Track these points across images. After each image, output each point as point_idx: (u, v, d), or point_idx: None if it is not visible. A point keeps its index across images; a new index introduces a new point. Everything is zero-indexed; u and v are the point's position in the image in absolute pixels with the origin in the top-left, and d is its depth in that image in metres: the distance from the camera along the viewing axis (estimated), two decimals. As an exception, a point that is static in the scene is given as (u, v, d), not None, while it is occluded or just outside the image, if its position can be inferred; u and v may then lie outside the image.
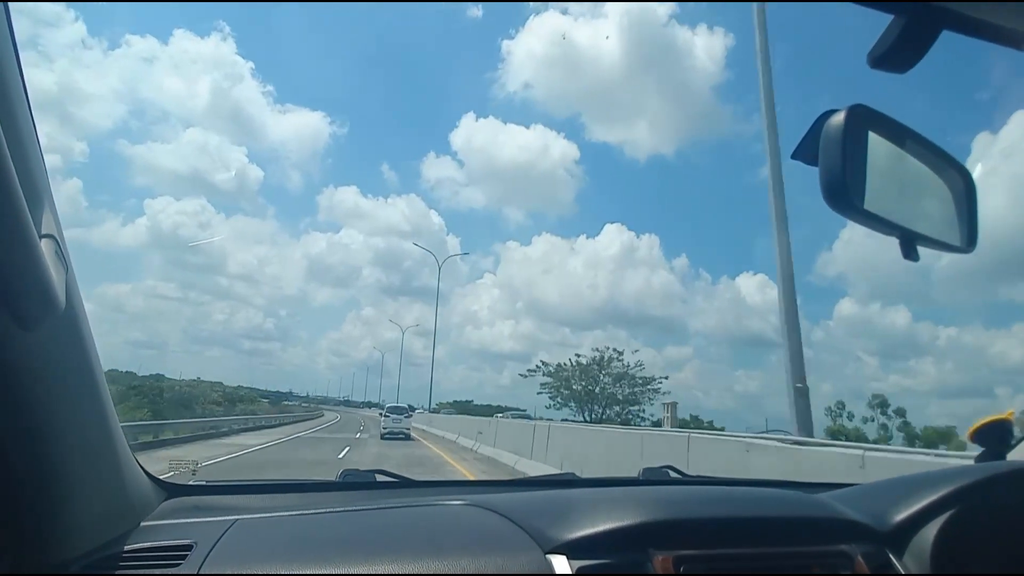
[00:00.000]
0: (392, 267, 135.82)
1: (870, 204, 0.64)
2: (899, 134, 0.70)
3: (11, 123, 0.58)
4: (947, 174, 0.75)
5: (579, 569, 0.77)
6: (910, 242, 0.67)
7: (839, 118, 0.62)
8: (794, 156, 0.67)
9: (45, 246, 0.58)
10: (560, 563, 0.78)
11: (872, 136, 0.66)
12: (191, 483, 1.22)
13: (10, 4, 0.60)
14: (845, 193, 0.62)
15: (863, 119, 0.65)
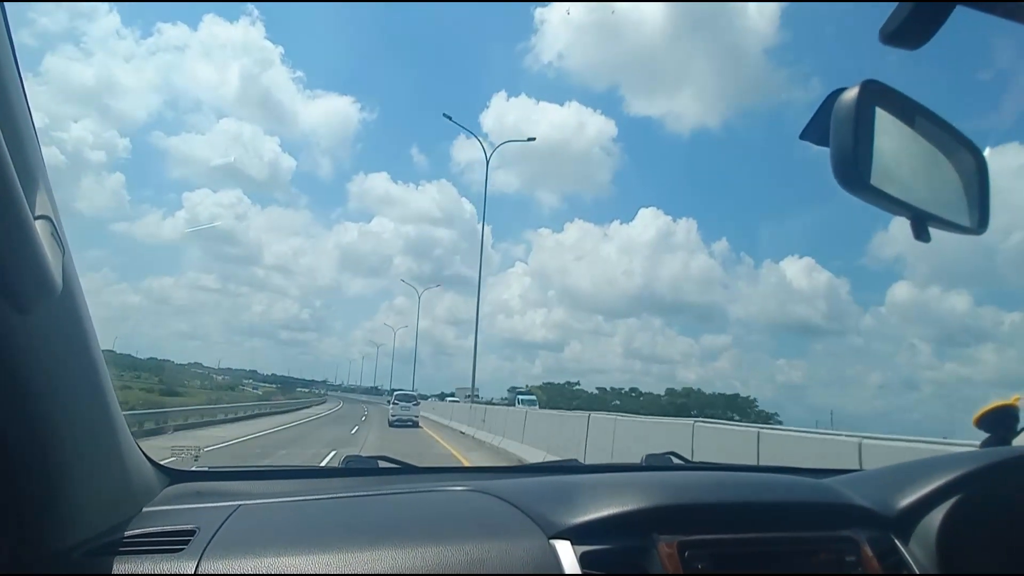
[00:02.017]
0: (423, 255, 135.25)
1: (882, 183, 0.62)
2: (911, 111, 0.69)
3: (3, 105, 0.57)
4: (959, 153, 0.74)
5: (583, 554, 0.77)
6: (922, 222, 0.66)
7: (851, 94, 0.60)
8: (802, 136, 0.65)
9: (40, 227, 0.57)
10: (564, 548, 0.78)
11: (883, 113, 0.65)
12: (194, 469, 1.22)
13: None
14: (857, 172, 0.60)
15: (875, 95, 0.63)
